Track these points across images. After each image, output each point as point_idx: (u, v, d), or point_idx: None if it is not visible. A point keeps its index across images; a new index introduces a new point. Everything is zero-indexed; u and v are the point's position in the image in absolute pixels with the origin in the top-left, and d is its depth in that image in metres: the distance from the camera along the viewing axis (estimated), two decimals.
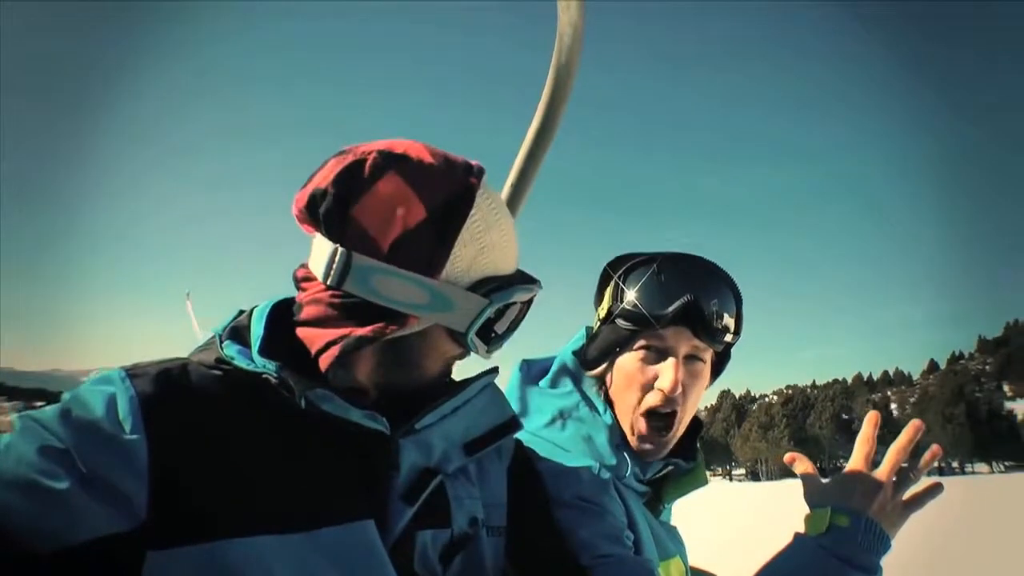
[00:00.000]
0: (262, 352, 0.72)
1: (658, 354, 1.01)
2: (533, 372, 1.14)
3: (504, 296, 0.74)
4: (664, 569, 1.00)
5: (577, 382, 1.08)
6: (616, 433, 1.03)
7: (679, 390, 0.98)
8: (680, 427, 1.03)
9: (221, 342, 0.75)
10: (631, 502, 0.98)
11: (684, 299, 0.98)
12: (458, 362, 0.82)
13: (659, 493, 1.09)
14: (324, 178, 0.72)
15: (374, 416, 0.71)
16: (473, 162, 0.77)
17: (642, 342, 1.01)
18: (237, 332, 0.76)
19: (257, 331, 0.74)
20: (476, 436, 0.81)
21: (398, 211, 0.70)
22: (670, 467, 1.06)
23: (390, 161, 0.71)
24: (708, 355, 1.04)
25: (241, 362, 0.71)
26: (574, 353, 1.12)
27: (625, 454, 1.01)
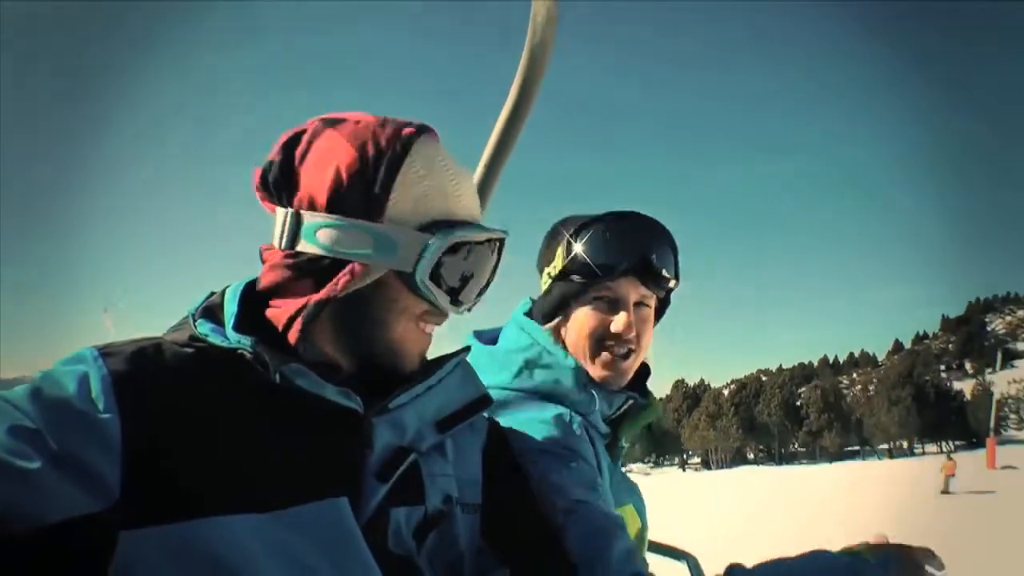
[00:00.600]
0: (236, 328, 0.72)
1: (609, 303, 1.11)
2: (485, 340, 1.23)
3: (447, 234, 0.74)
4: (621, 514, 1.06)
5: (534, 336, 1.16)
6: (582, 374, 1.11)
7: (633, 332, 1.10)
8: (636, 360, 1.14)
9: (194, 321, 0.74)
10: (599, 446, 1.08)
11: (631, 252, 1.08)
12: (436, 330, 0.82)
13: (616, 433, 1.19)
14: (273, 151, 0.76)
15: (348, 394, 0.72)
16: (415, 121, 0.78)
17: (594, 293, 1.10)
18: (210, 311, 0.76)
19: (231, 309, 0.74)
20: (448, 414, 0.82)
21: (334, 163, 0.72)
22: (630, 400, 1.17)
23: (328, 123, 0.76)
24: (653, 301, 1.15)
25: (215, 339, 0.71)
26: (524, 315, 1.21)
27: (592, 392, 1.10)
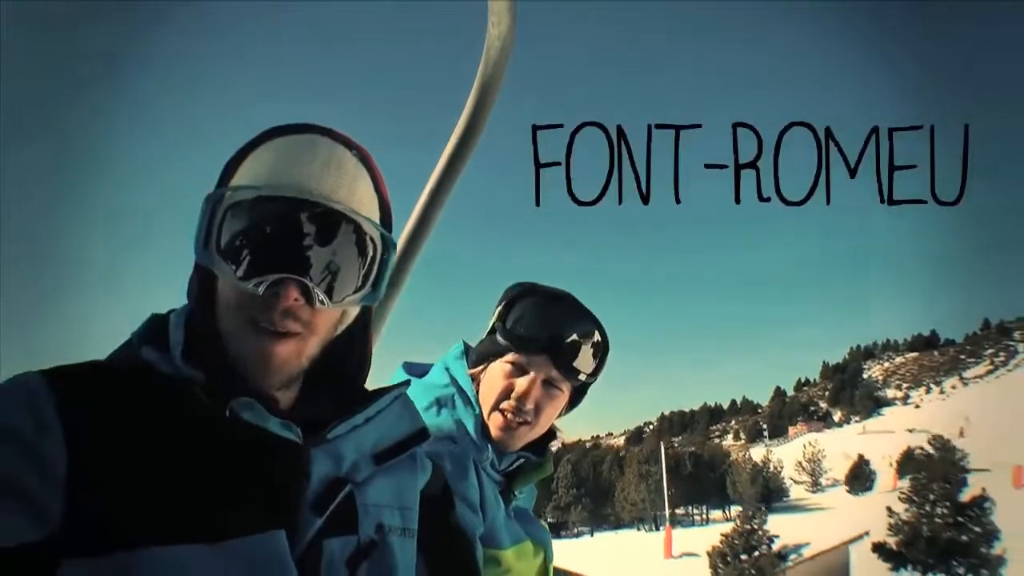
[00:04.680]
0: (184, 357, 0.71)
1: (522, 371, 1.19)
2: (414, 372, 1.32)
3: (218, 193, 0.71)
4: (517, 552, 1.20)
5: (455, 379, 1.26)
6: (482, 424, 1.20)
7: (530, 404, 1.18)
8: (530, 432, 1.22)
9: (139, 347, 0.73)
10: (487, 487, 1.16)
11: (550, 333, 1.17)
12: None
13: (511, 484, 1.26)
14: None
15: (289, 425, 0.73)
16: (311, 124, 0.78)
17: (512, 356, 1.19)
18: (155, 336, 0.75)
19: (176, 337, 0.73)
20: (386, 446, 0.84)
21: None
22: (521, 460, 1.25)
23: None
24: (565, 386, 1.22)
25: (161, 367, 0.71)
26: (460, 355, 1.31)
27: (488, 444, 1.18)
